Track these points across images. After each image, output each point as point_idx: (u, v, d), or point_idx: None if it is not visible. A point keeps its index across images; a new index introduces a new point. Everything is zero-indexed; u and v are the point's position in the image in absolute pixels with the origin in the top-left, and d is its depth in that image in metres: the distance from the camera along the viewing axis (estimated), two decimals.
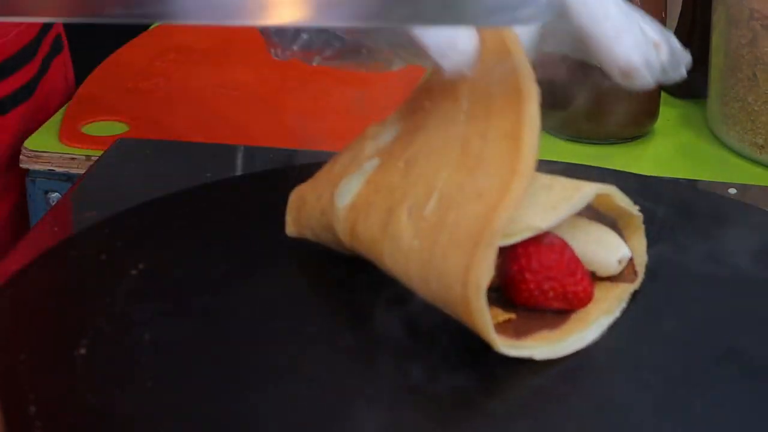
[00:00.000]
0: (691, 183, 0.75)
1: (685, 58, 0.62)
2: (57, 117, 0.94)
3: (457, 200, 0.52)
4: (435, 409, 0.51)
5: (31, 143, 0.90)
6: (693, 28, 0.97)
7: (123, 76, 1.02)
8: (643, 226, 0.59)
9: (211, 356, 0.54)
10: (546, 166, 0.55)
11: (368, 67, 0.68)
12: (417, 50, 0.64)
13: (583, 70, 0.63)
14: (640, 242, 0.59)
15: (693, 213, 0.68)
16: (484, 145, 0.53)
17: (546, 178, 0.56)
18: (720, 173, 0.85)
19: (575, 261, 0.55)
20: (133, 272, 0.60)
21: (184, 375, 0.53)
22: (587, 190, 0.55)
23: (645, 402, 0.52)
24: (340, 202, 0.58)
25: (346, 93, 0.96)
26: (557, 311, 0.55)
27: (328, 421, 0.50)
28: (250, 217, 0.66)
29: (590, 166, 0.70)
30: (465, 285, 0.51)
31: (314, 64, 0.67)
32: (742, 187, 0.78)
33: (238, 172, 0.78)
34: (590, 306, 0.56)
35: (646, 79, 0.60)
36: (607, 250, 0.57)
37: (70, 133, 0.91)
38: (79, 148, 0.90)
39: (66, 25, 0.97)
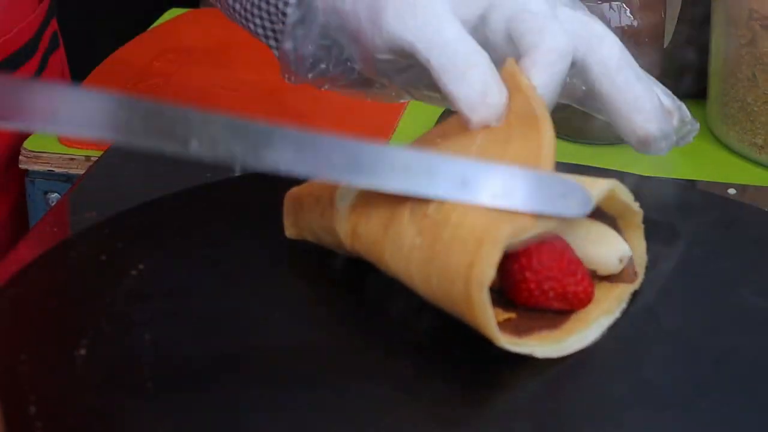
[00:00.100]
0: (691, 183, 0.75)
1: (694, 125, 0.63)
2: None
3: (462, 204, 0.52)
4: (435, 409, 0.51)
5: (30, 144, 0.90)
6: (692, 29, 0.97)
7: (122, 76, 1.02)
8: (642, 226, 0.59)
9: (211, 356, 0.54)
10: None
11: (376, 98, 0.69)
12: (432, 93, 0.65)
13: None
14: (640, 242, 0.59)
15: (692, 213, 0.68)
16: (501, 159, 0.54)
17: None
18: (719, 173, 0.85)
19: (576, 261, 0.55)
20: (133, 272, 0.60)
21: (184, 375, 0.53)
22: (592, 193, 0.55)
23: (645, 402, 0.52)
24: (341, 203, 0.58)
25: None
26: (557, 311, 0.55)
27: (329, 421, 0.50)
28: (250, 217, 0.66)
29: (590, 167, 0.70)
30: (468, 281, 0.51)
31: (324, 89, 0.68)
32: (742, 188, 0.78)
33: (238, 172, 0.78)
34: (590, 306, 0.56)
35: (661, 148, 0.61)
36: (608, 248, 0.57)
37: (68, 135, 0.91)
38: (78, 148, 0.90)
39: (63, 24, 0.97)
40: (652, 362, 0.55)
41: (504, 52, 0.60)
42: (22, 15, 0.89)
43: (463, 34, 0.59)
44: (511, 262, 0.54)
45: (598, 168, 0.70)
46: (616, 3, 0.88)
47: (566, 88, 0.62)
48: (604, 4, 0.88)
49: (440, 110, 0.88)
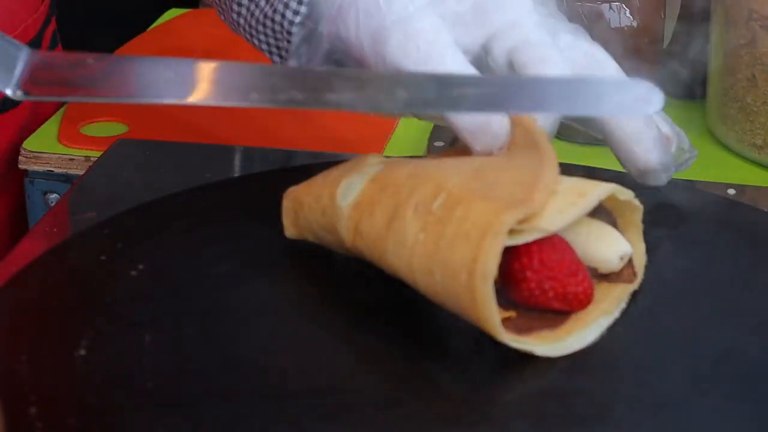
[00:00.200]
0: (690, 183, 0.75)
1: (692, 152, 0.64)
2: (56, 118, 0.94)
3: (467, 199, 0.53)
4: (434, 409, 0.51)
5: (30, 144, 0.90)
6: (692, 29, 0.97)
7: None
8: (642, 226, 0.59)
9: (211, 357, 0.54)
10: None
11: (378, 113, 0.70)
12: (434, 113, 0.67)
13: None
14: (640, 242, 0.59)
15: (692, 214, 0.68)
16: (500, 174, 0.55)
17: None
18: (719, 174, 0.85)
19: (577, 262, 0.55)
20: (133, 273, 0.60)
21: (184, 375, 0.53)
22: (591, 196, 0.55)
23: (645, 402, 0.52)
24: (342, 201, 0.58)
25: None
26: (557, 311, 0.55)
27: (329, 421, 0.50)
28: (250, 217, 0.66)
29: (590, 167, 0.70)
30: (471, 274, 0.51)
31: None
32: (741, 188, 0.78)
33: (238, 172, 0.78)
34: (590, 306, 0.56)
35: (661, 179, 0.62)
36: (609, 246, 0.57)
37: (69, 134, 0.91)
38: (78, 148, 0.90)
39: (61, 24, 0.97)
40: (652, 362, 0.55)
41: (503, 71, 0.61)
42: (26, 13, 0.89)
43: (465, 65, 0.60)
44: (512, 260, 0.54)
45: (599, 168, 0.70)
46: (616, 3, 0.88)
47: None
48: (604, 4, 0.88)
49: None
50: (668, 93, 0.93)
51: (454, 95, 0.55)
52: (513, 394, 0.53)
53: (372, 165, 0.59)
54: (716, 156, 0.91)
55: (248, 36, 0.70)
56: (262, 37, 0.68)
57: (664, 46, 0.93)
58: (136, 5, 1.49)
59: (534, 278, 0.54)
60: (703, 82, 0.94)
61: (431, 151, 0.85)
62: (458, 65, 0.60)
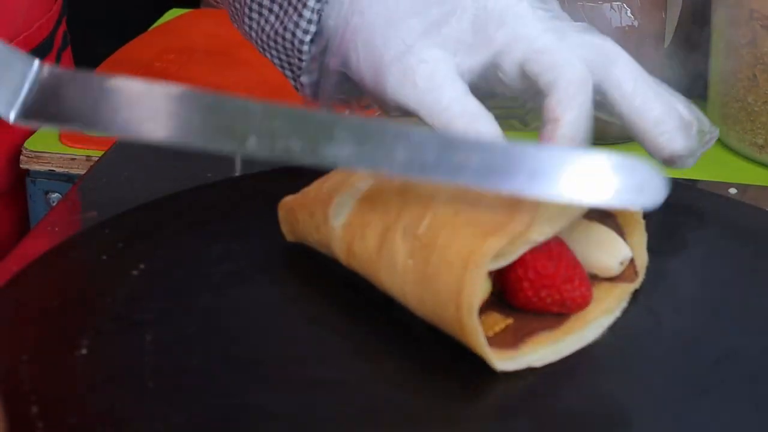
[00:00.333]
0: (692, 183, 0.75)
1: (713, 132, 0.64)
2: None
3: (451, 223, 0.53)
4: (434, 409, 0.51)
5: (31, 144, 0.90)
6: (693, 29, 0.97)
7: (123, 76, 1.02)
8: (643, 222, 0.59)
9: (212, 356, 0.54)
10: None
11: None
12: None
13: None
14: (641, 239, 0.59)
15: (693, 213, 0.68)
16: (485, 193, 0.54)
17: None
18: (720, 173, 0.85)
19: (573, 266, 0.54)
20: (134, 272, 0.60)
21: (184, 375, 0.53)
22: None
23: (645, 402, 0.52)
24: (335, 220, 0.58)
25: None
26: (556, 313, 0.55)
27: (328, 421, 0.50)
28: (250, 217, 0.66)
29: None
30: (458, 307, 0.51)
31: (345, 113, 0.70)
32: (743, 187, 0.78)
33: (238, 172, 0.78)
34: (591, 305, 0.56)
35: (688, 164, 0.62)
36: (608, 252, 0.57)
37: (70, 134, 0.91)
38: (79, 148, 0.90)
39: (68, 23, 0.98)
40: (652, 362, 0.55)
41: (519, 88, 0.62)
42: (40, 12, 0.90)
43: (463, 94, 0.61)
44: (508, 269, 0.54)
45: None
46: (617, 3, 0.88)
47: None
48: (605, 4, 0.88)
49: None
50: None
51: (455, 162, 0.51)
52: (513, 393, 0.53)
53: (363, 178, 0.59)
54: (717, 155, 0.90)
55: (261, 49, 0.70)
56: (273, 52, 0.69)
57: (665, 45, 0.93)
58: (137, 5, 1.49)
59: (530, 288, 0.54)
60: (704, 81, 0.94)
61: None
62: (455, 96, 0.60)
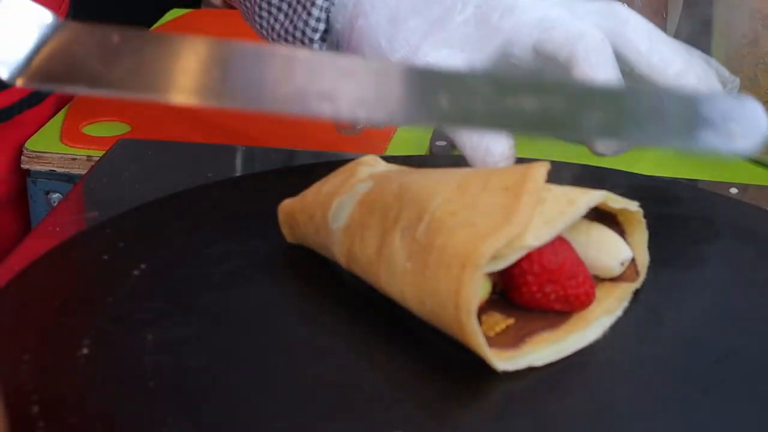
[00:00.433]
0: (692, 183, 0.75)
1: (734, 82, 0.63)
2: (58, 117, 0.94)
3: (448, 224, 0.53)
4: (434, 408, 0.51)
5: (32, 144, 0.90)
6: (694, 28, 0.97)
7: None
8: (644, 221, 0.59)
9: (213, 356, 0.54)
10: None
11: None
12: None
13: None
14: (642, 238, 0.59)
15: (694, 212, 0.68)
16: (483, 191, 0.54)
17: None
18: (721, 173, 0.85)
19: (577, 263, 0.55)
20: (135, 272, 0.60)
21: (185, 375, 0.53)
22: (580, 204, 0.54)
23: (645, 401, 0.52)
24: (334, 223, 0.58)
25: None
26: (559, 311, 0.55)
27: (328, 421, 0.51)
28: (251, 216, 0.66)
29: (591, 166, 0.70)
30: (457, 308, 0.51)
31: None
32: (743, 187, 0.78)
33: (238, 172, 0.78)
34: (592, 305, 0.56)
35: None
36: (609, 253, 0.56)
37: (71, 134, 0.91)
38: (80, 148, 0.90)
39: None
40: (653, 362, 0.55)
41: (534, 66, 0.61)
42: (51, 9, 0.90)
43: None
44: (512, 265, 0.54)
45: (599, 167, 0.70)
46: (618, 3, 0.88)
47: None
48: None
49: None
50: None
51: (511, 107, 0.44)
52: (513, 392, 0.53)
53: (362, 180, 0.59)
54: (718, 155, 0.90)
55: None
56: None
57: None
58: (138, 5, 1.49)
59: (535, 282, 0.54)
60: None
61: (433, 151, 0.85)
62: None
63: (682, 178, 0.81)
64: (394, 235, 0.54)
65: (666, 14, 0.92)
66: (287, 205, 0.62)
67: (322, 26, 0.66)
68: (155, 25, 1.17)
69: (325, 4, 0.66)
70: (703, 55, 0.63)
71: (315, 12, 0.66)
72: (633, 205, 0.57)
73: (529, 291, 0.54)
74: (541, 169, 0.54)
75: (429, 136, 0.89)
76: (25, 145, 0.90)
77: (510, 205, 0.52)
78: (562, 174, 0.57)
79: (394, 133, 0.92)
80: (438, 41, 0.62)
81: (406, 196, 0.55)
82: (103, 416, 0.50)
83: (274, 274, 0.61)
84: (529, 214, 0.52)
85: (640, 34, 0.60)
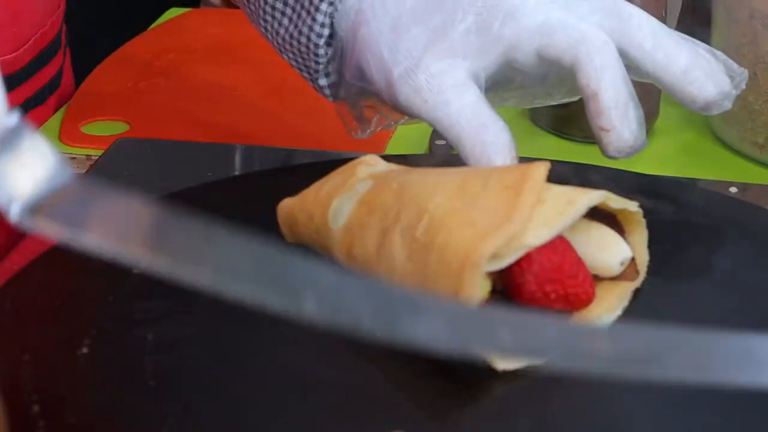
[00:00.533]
0: (692, 182, 0.75)
1: (742, 74, 0.63)
2: (57, 116, 0.94)
3: (448, 224, 0.53)
4: (434, 408, 0.51)
5: None
6: (693, 28, 0.97)
7: (123, 75, 1.02)
8: (644, 220, 0.59)
9: (214, 356, 0.54)
10: None
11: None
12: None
13: None
14: (642, 237, 0.59)
15: (694, 212, 0.68)
16: (483, 190, 0.54)
17: None
18: (721, 172, 0.85)
19: (577, 262, 0.55)
20: (135, 271, 0.60)
21: (186, 375, 0.53)
22: (580, 204, 0.54)
23: (645, 402, 0.52)
24: (334, 223, 0.58)
25: None
26: (559, 311, 0.55)
27: (328, 421, 0.51)
28: (250, 217, 0.66)
29: (591, 165, 0.70)
30: None
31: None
32: (743, 186, 0.78)
33: (238, 171, 0.78)
34: (592, 304, 0.56)
35: (725, 106, 0.61)
36: (609, 253, 0.56)
37: (70, 133, 0.91)
38: (79, 147, 0.90)
39: (68, 23, 0.98)
40: None
41: (540, 73, 0.62)
42: (52, 9, 0.90)
43: (471, 104, 0.61)
44: (512, 264, 0.54)
45: (599, 167, 0.70)
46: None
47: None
48: None
49: None
50: None
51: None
52: (513, 391, 0.53)
53: (362, 180, 0.59)
54: (718, 154, 0.91)
55: (278, 51, 0.71)
56: (290, 54, 0.69)
57: None
58: (137, 5, 1.49)
59: (534, 281, 0.54)
60: None
61: (433, 150, 0.85)
62: (465, 106, 0.60)
63: (682, 178, 0.81)
64: (394, 235, 0.54)
65: (665, 14, 0.92)
66: (287, 205, 0.62)
67: (326, 31, 0.66)
68: (154, 24, 1.17)
69: (329, 10, 0.65)
70: (710, 49, 0.63)
71: (319, 17, 0.66)
72: (633, 206, 0.57)
73: (529, 290, 0.54)
74: (541, 169, 0.54)
75: (429, 135, 0.89)
76: None
77: (510, 205, 0.52)
78: (562, 173, 0.57)
79: (393, 132, 0.92)
80: (440, 51, 0.62)
81: (406, 196, 0.55)
82: (103, 416, 0.50)
83: None
84: (529, 214, 0.52)
85: (645, 31, 0.60)
